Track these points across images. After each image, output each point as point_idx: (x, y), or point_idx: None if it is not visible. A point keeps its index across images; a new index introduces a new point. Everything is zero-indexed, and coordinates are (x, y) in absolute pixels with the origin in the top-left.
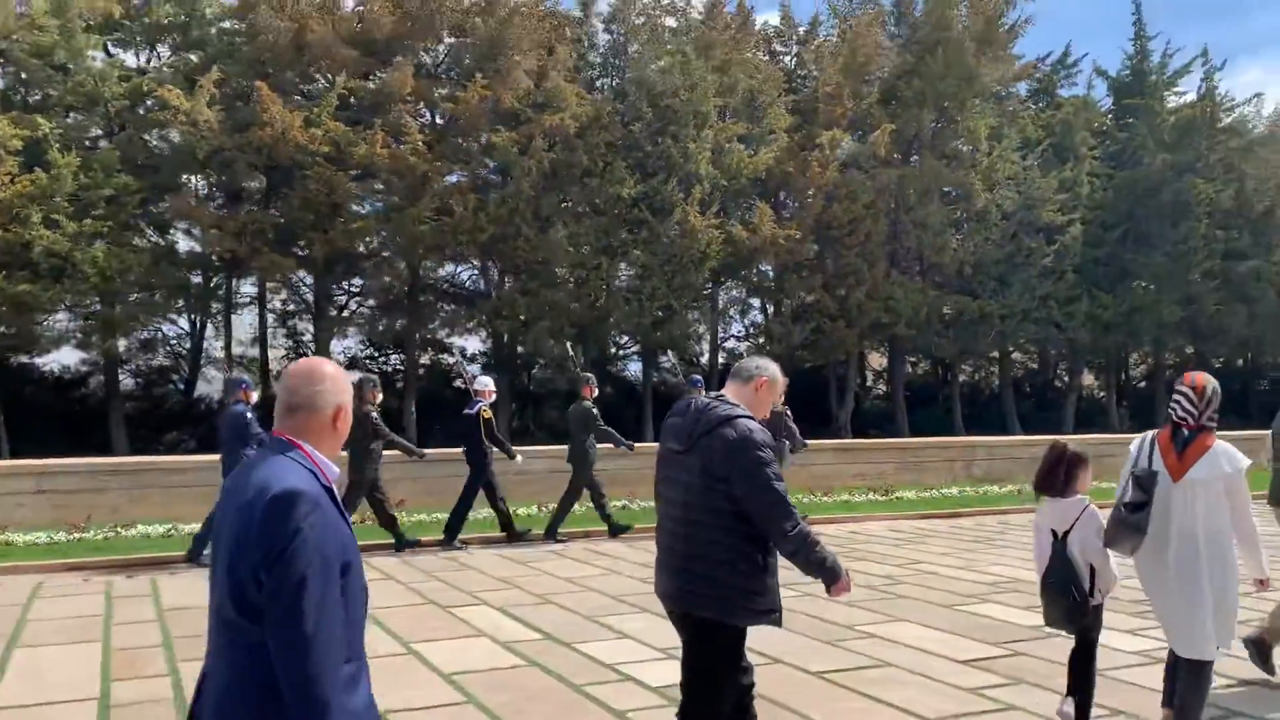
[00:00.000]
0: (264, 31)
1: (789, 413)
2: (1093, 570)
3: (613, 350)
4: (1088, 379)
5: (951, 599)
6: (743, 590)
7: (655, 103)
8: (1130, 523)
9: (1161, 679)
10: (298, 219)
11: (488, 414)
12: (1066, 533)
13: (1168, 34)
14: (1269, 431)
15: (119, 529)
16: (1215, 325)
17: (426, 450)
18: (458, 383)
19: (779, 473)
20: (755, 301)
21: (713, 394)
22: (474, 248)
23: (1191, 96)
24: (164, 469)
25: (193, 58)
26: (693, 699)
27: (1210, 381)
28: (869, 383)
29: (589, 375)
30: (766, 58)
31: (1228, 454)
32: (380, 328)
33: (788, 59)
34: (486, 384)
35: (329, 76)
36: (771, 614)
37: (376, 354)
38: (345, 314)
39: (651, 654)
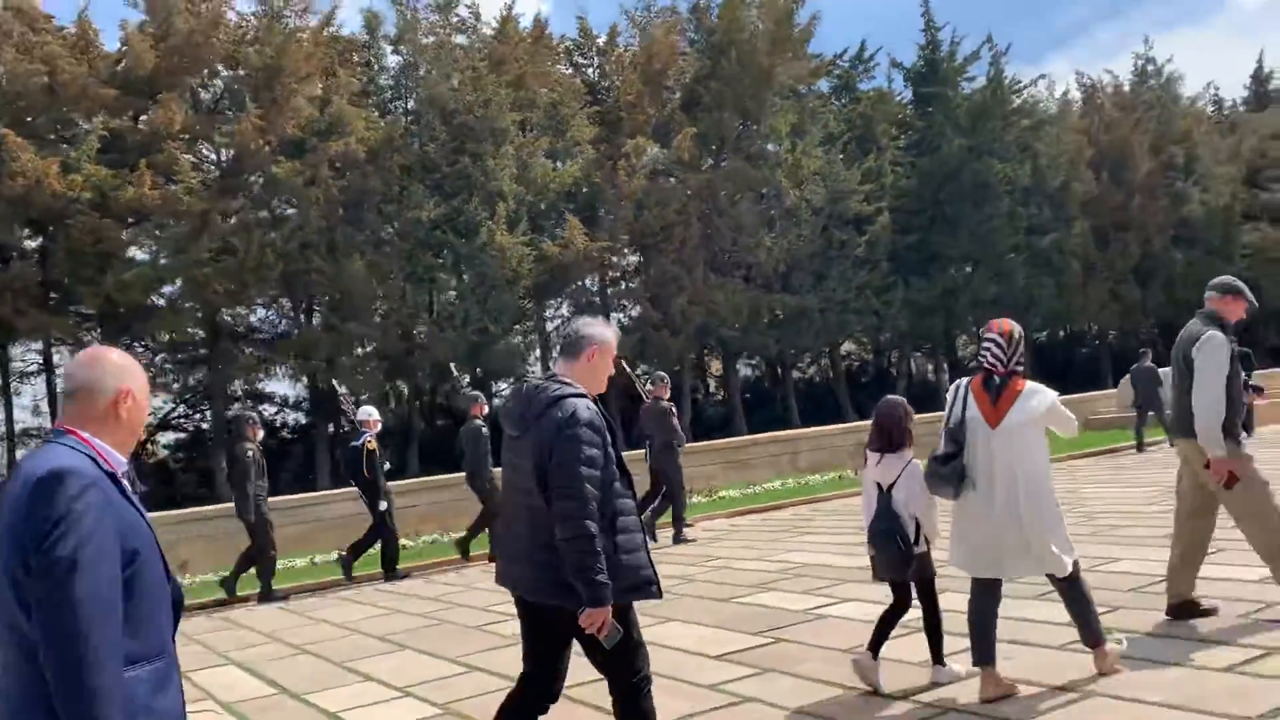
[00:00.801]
0: (12, 76)
1: (674, 409)
2: (917, 521)
3: (433, 384)
4: (922, 364)
5: (734, 591)
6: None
7: (449, 121)
8: (942, 474)
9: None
10: (66, 273)
11: (372, 444)
12: (891, 485)
13: (966, 29)
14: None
15: None
16: (1027, 298)
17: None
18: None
19: (593, 459)
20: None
21: (544, 374)
22: (263, 285)
23: (982, 82)
24: None
25: None
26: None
27: (1016, 327)
28: (712, 389)
29: (478, 394)
30: (569, 70)
31: (1037, 393)
32: (188, 381)
33: (590, 70)
34: (370, 414)
35: (89, 119)
36: (637, 590)
37: (190, 411)
38: (151, 371)
39: (388, 694)
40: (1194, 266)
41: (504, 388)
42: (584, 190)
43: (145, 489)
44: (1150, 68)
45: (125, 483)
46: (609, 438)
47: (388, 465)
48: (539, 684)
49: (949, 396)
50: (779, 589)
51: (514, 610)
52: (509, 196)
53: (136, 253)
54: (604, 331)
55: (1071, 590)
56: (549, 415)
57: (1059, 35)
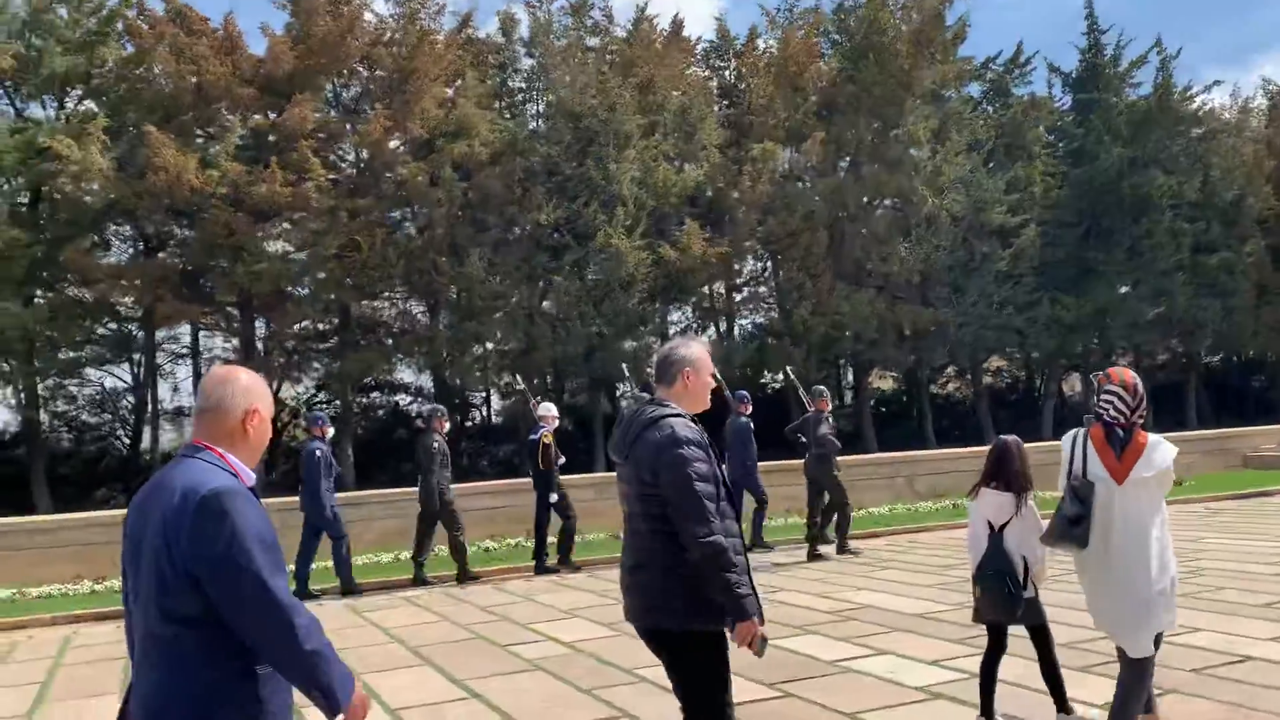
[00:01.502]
0: (162, 77)
1: (830, 418)
2: (1025, 563)
3: (555, 380)
4: (1075, 384)
5: (772, 631)
6: (691, 594)
7: (576, 124)
8: (1072, 536)
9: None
10: (202, 264)
11: (548, 439)
12: (1004, 526)
13: (1144, 31)
14: None
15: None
16: (1191, 321)
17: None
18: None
19: (704, 474)
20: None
21: (648, 397)
22: (389, 282)
23: (1148, 89)
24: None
25: (94, 107)
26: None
27: (1136, 378)
28: (847, 402)
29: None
30: (705, 72)
31: (1159, 446)
32: (319, 369)
33: (726, 73)
34: (549, 410)
35: (229, 117)
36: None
37: (330, 397)
38: (285, 359)
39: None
40: None
41: (629, 390)
42: (708, 194)
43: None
44: None
45: (257, 495)
46: (712, 455)
47: (563, 459)
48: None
49: (1065, 448)
50: (820, 633)
51: (547, 631)
52: (629, 200)
53: (270, 246)
54: (694, 350)
55: (1141, 669)
56: (646, 438)
57: (1262, 37)
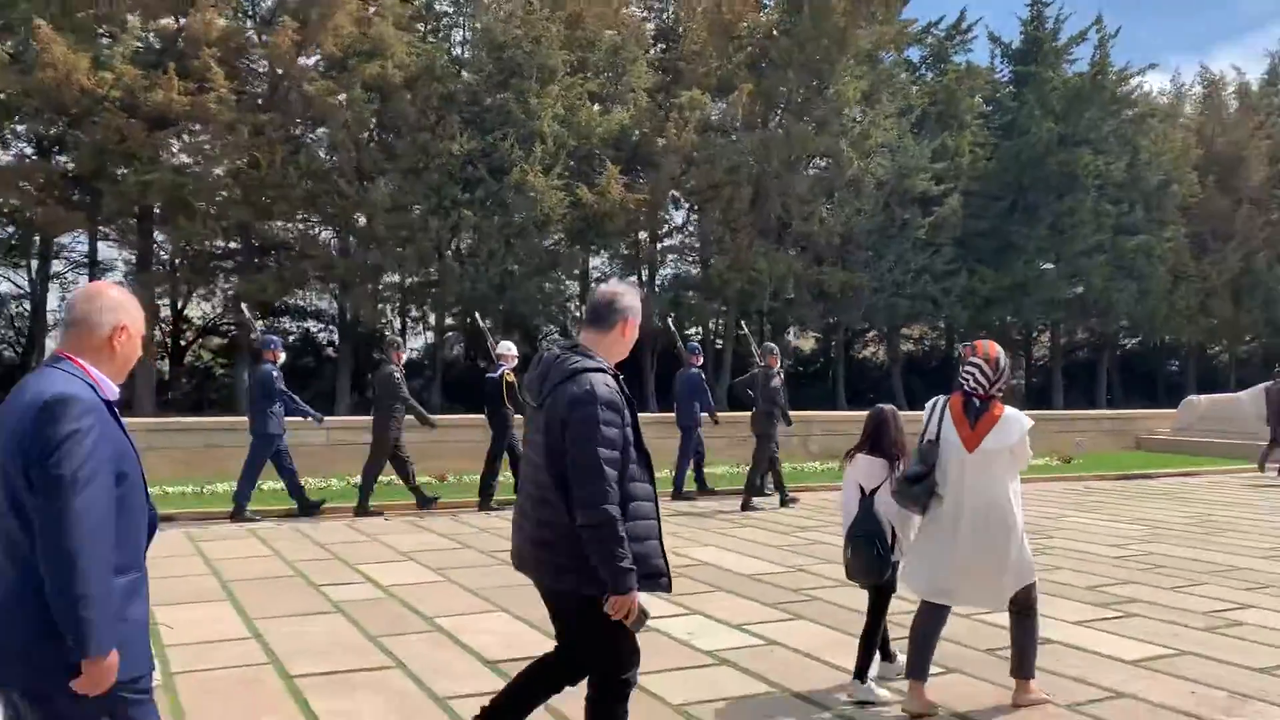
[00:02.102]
0: None
1: (780, 374)
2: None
3: (462, 317)
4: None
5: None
6: None
7: (498, 55)
8: (909, 494)
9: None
10: (91, 170)
11: (510, 377)
12: (875, 490)
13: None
14: None
15: None
16: (1106, 302)
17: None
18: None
19: (612, 439)
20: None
21: (567, 343)
22: (289, 203)
23: (1085, 66)
24: None
25: None
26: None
27: (1000, 351)
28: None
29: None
30: (643, 13)
31: (1014, 420)
32: (228, 287)
33: (665, 16)
34: (509, 348)
35: (130, 18)
36: (647, 580)
37: (231, 320)
38: (187, 276)
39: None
40: None
41: (549, 332)
42: (634, 139)
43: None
44: None
45: (117, 411)
46: (629, 416)
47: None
48: (562, 662)
49: (925, 413)
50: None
51: (370, 573)
52: (549, 138)
53: (167, 157)
54: (636, 301)
55: (1026, 620)
56: (564, 390)
57: (1239, 27)
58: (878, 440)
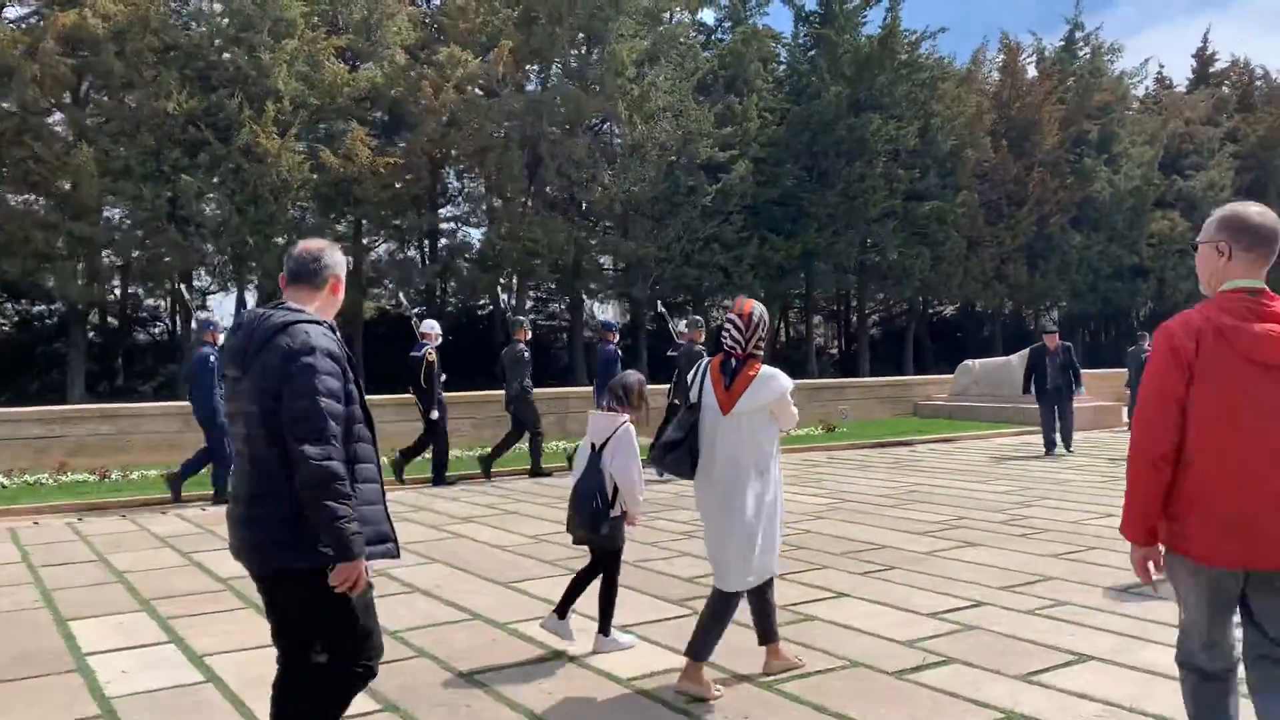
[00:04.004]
0: None
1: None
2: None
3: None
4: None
5: None
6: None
7: (226, 4)
8: (664, 462)
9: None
10: None
11: (432, 357)
12: (603, 446)
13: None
14: None
15: None
16: (901, 269)
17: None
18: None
19: (333, 390)
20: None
21: (271, 302)
22: None
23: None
24: None
25: None
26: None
27: (758, 308)
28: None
29: (520, 319)
30: None
31: (773, 379)
32: None
33: None
34: (433, 326)
35: None
36: (373, 545)
37: None
38: None
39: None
40: (1092, 251)
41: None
42: (391, 97)
43: None
44: (1079, 34)
45: None
46: (350, 372)
47: (444, 377)
48: (296, 664)
49: (691, 375)
50: None
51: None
52: (285, 97)
53: None
54: (341, 257)
55: (765, 593)
56: (274, 345)
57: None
58: (614, 397)
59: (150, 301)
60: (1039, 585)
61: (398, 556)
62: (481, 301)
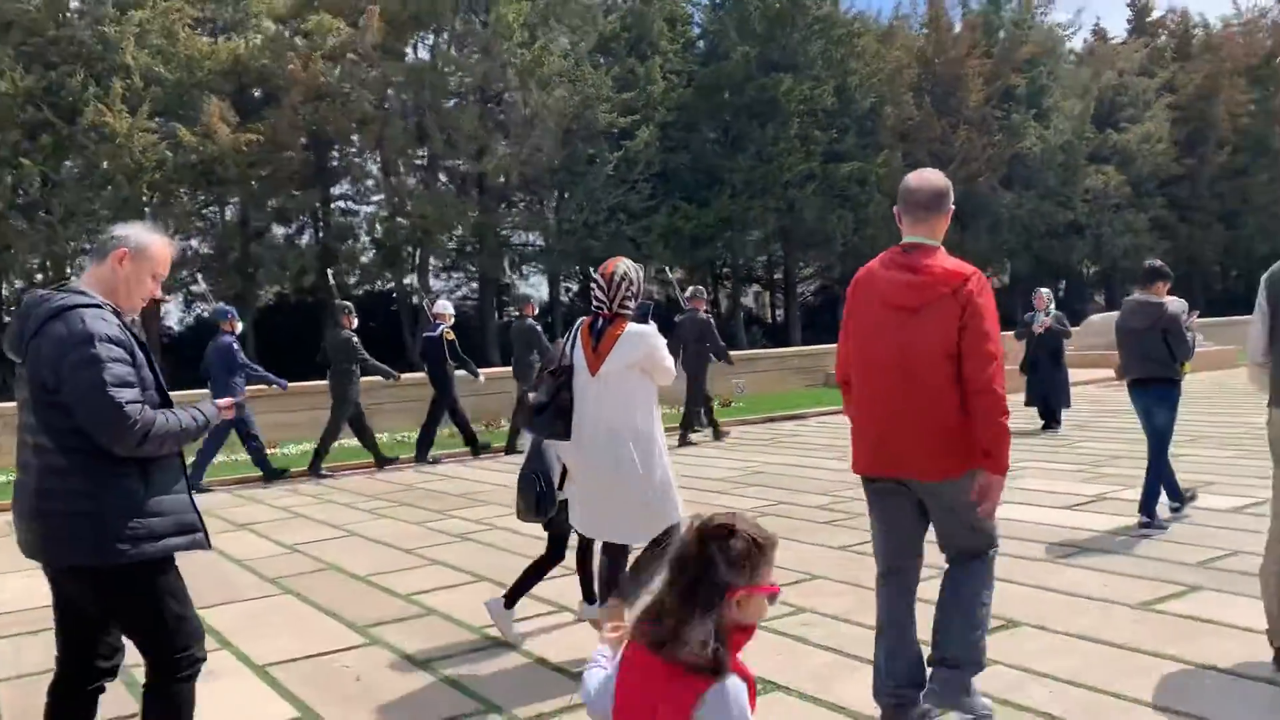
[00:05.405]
0: None
1: (711, 320)
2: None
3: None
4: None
5: None
6: (116, 519)
7: None
8: (532, 426)
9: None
10: None
11: (450, 335)
12: None
13: None
14: None
15: None
16: (822, 234)
17: None
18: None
19: (122, 377)
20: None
21: (56, 283)
22: None
23: None
24: None
25: None
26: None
27: (623, 266)
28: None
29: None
30: None
31: (640, 336)
32: None
33: None
34: (446, 308)
35: None
36: (180, 535)
37: None
38: None
39: None
40: (1025, 209)
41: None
42: (259, 69)
43: None
44: None
45: None
46: (141, 356)
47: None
48: (79, 667)
49: (563, 339)
50: None
51: None
52: (135, 72)
53: None
54: (144, 236)
55: (623, 555)
56: (48, 332)
57: None
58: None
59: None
60: (804, 585)
61: (208, 547)
62: (388, 286)
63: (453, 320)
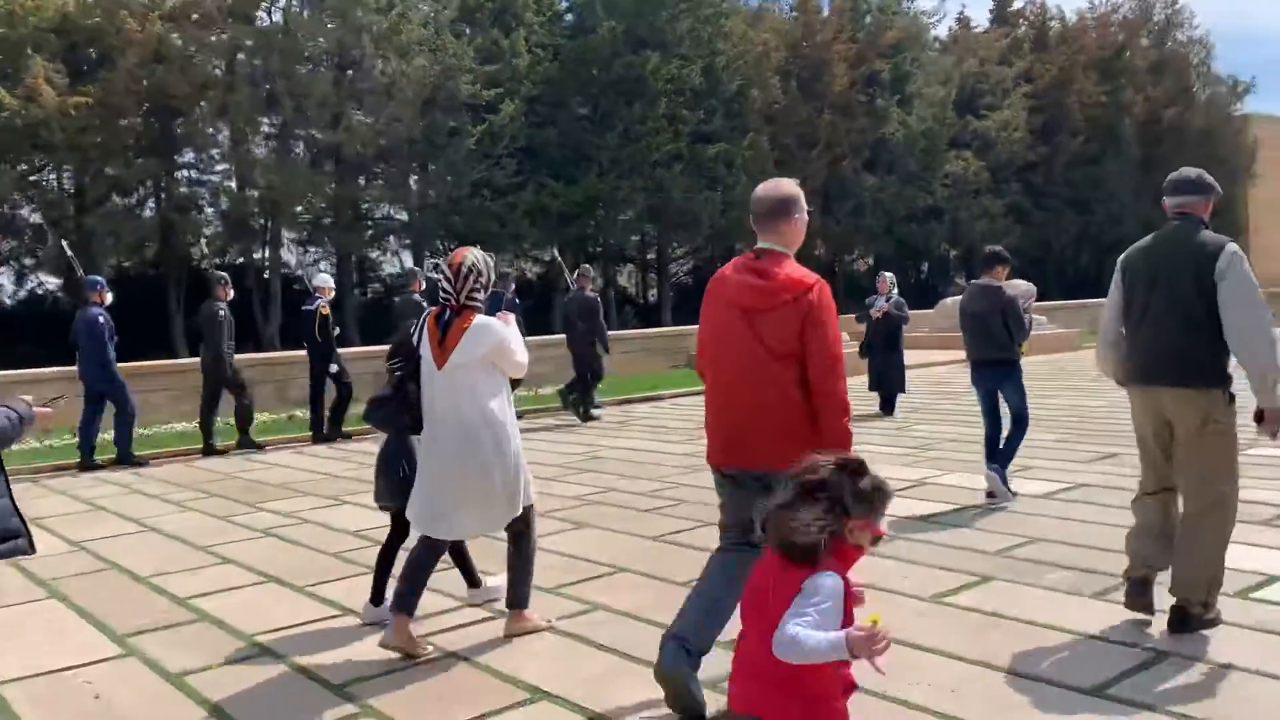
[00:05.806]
0: None
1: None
2: None
3: None
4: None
5: None
6: None
7: None
8: (370, 419)
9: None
10: None
11: (325, 310)
12: None
13: None
14: None
15: None
16: (690, 215)
17: None
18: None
19: None
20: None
21: None
22: None
23: None
24: None
25: None
26: None
27: (471, 256)
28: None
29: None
30: None
31: (486, 328)
32: None
33: None
34: (326, 281)
35: None
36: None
37: None
38: None
39: None
40: (887, 193)
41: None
42: (87, 30)
43: None
44: None
45: None
46: None
47: (337, 330)
48: None
49: (413, 330)
50: None
51: None
52: None
53: None
54: None
55: (520, 544)
56: None
57: None
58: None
59: None
60: (603, 579)
61: (32, 551)
62: (238, 259)
63: (332, 294)
